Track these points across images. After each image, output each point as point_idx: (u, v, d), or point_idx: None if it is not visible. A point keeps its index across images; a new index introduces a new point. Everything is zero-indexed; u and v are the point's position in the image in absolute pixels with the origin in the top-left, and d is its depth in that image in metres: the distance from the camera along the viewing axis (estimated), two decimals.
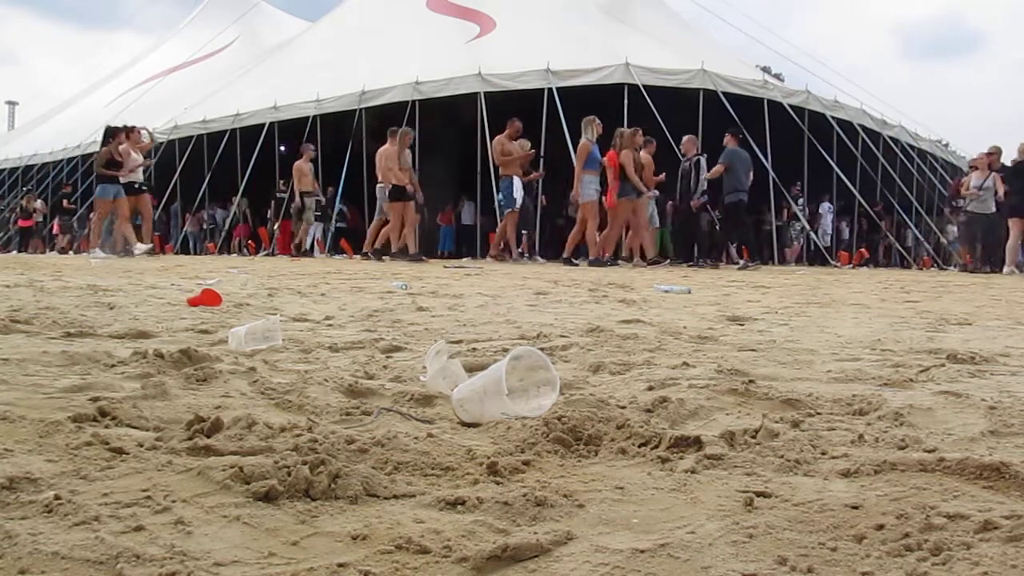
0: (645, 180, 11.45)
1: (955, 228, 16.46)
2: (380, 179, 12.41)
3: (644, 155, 11.69)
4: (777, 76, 20.38)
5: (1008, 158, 12.81)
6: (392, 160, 12.09)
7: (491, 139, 13.36)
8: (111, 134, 12.70)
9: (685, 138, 12.67)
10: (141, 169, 12.73)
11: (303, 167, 14.34)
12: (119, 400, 1.50)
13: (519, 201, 11.97)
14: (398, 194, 12.03)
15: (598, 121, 11.41)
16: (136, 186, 12.64)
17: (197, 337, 2.60)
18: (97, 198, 12.81)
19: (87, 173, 21.65)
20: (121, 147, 12.43)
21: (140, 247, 12.13)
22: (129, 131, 12.88)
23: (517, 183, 11.95)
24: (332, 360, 2.18)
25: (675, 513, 0.98)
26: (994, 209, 12.75)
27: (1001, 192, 12.68)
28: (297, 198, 14.44)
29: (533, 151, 12.50)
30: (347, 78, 16.03)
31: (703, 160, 12.42)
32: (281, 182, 17.52)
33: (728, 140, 11.89)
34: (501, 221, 12.51)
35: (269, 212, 18.06)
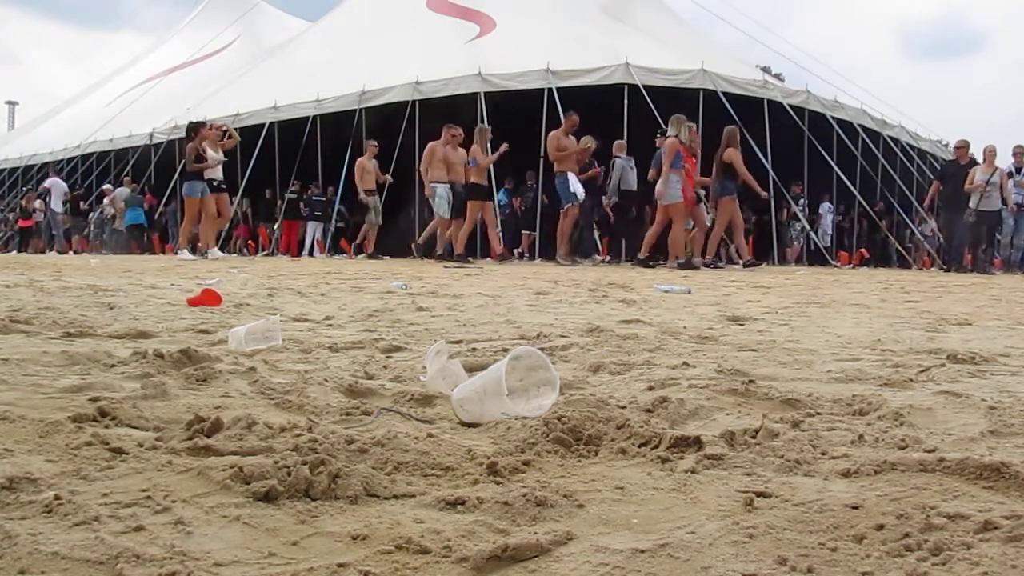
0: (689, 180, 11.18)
1: (932, 226, 16.14)
2: (431, 177, 11.89)
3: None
4: (777, 76, 20.37)
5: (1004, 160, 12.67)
6: (454, 157, 11.74)
7: (491, 139, 13.35)
8: (194, 129, 12.23)
9: (616, 142, 12.98)
10: (220, 167, 12.37)
11: (366, 164, 13.58)
12: (119, 400, 1.50)
13: (580, 196, 11.49)
14: (477, 192, 11.72)
15: (689, 122, 11.18)
16: (216, 184, 12.29)
17: (197, 337, 2.60)
18: (186, 196, 12.27)
19: (87, 173, 21.69)
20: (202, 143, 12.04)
21: (215, 252, 11.79)
22: (207, 127, 12.48)
23: (573, 178, 11.50)
24: (332, 360, 2.18)
25: (675, 513, 0.98)
26: (999, 206, 12.29)
27: (1008, 187, 12.25)
28: (361, 196, 13.68)
29: (591, 146, 12.02)
30: (347, 78, 16.04)
31: (619, 162, 12.79)
32: (295, 182, 17.46)
33: (660, 142, 12.08)
34: (512, 222, 12.21)
35: (280, 208, 17.82)
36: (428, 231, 12.75)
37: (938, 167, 15.80)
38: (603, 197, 13.09)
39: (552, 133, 11.85)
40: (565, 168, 11.63)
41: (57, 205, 18.70)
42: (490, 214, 12.03)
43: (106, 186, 20.95)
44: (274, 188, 18.27)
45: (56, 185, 18.65)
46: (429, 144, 12.14)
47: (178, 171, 14.12)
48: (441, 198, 11.85)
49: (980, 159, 12.77)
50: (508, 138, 13.20)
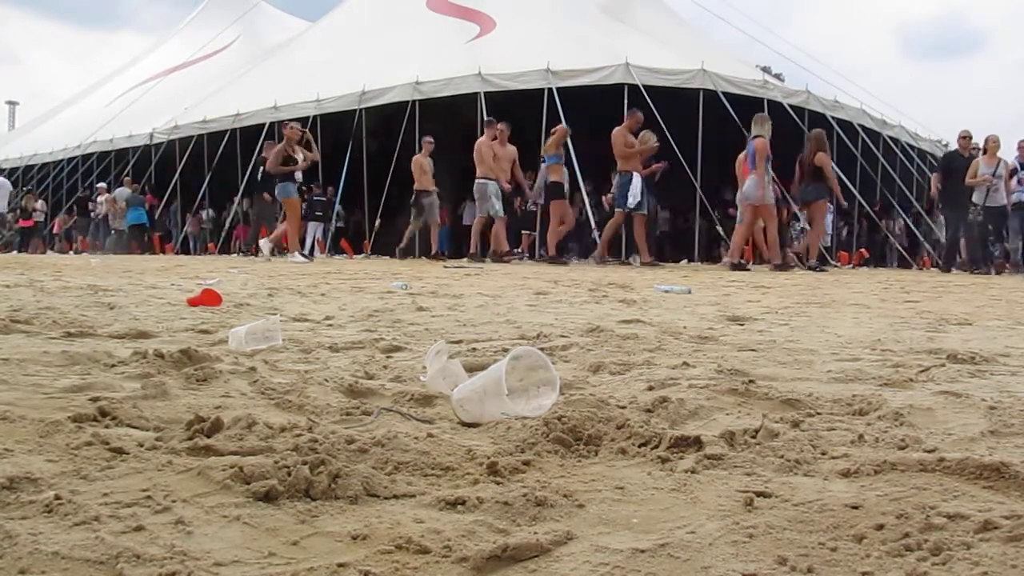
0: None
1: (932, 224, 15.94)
2: (483, 174, 11.64)
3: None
4: (777, 76, 20.38)
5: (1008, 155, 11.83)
6: (501, 153, 11.50)
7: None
8: (282, 129, 11.95)
9: (549, 142, 12.98)
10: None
11: (424, 162, 12.92)
12: (119, 400, 1.50)
13: (642, 200, 11.12)
14: (559, 191, 11.48)
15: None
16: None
17: (197, 337, 2.60)
18: (284, 198, 11.97)
19: (87, 173, 21.70)
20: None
21: (298, 256, 11.58)
22: (289, 127, 12.26)
23: (638, 181, 11.09)
24: (332, 360, 2.18)
25: (675, 513, 0.98)
26: (1005, 201, 11.40)
27: (1014, 182, 11.38)
28: (429, 198, 13.09)
29: (658, 144, 11.64)
30: (347, 78, 16.04)
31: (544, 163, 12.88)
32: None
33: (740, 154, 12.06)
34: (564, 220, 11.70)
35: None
36: (476, 234, 12.37)
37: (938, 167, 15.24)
38: (603, 197, 13.09)
39: (617, 130, 11.30)
40: (631, 168, 11.19)
41: (2, 205, 18.49)
42: (569, 213, 11.76)
43: (99, 184, 20.97)
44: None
45: (3, 185, 18.49)
46: (478, 141, 11.82)
47: (239, 174, 13.83)
48: (496, 196, 11.62)
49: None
50: (508, 138, 13.20)
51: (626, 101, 13.74)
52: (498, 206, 11.65)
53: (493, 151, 11.68)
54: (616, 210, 11.33)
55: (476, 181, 11.79)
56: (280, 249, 12.24)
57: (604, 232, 11.66)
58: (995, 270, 11.41)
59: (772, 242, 10.81)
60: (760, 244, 11.64)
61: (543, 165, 12.53)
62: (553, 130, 11.75)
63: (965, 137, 12.06)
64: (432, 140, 12.97)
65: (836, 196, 11.31)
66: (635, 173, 11.08)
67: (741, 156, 10.93)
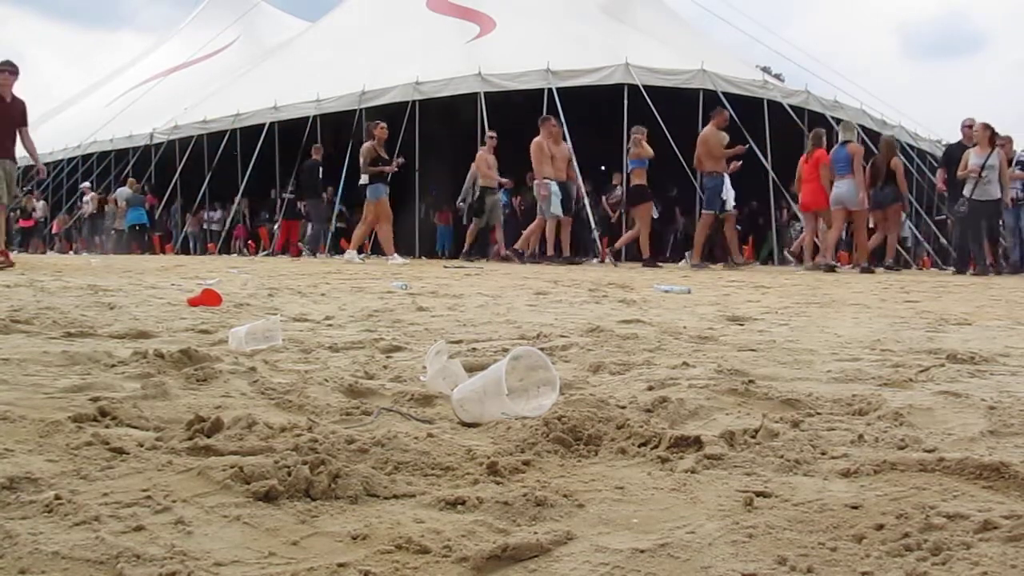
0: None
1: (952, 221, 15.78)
2: (543, 173, 11.34)
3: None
4: (777, 76, 20.38)
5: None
6: (557, 152, 11.25)
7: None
8: (368, 130, 11.51)
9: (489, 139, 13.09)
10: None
11: (489, 159, 12.41)
12: (119, 400, 1.50)
13: (731, 204, 10.94)
14: (643, 195, 11.35)
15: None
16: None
17: (197, 337, 2.60)
18: (373, 200, 11.40)
19: (87, 173, 21.70)
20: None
21: (397, 259, 11.19)
22: (380, 127, 11.79)
23: (728, 182, 10.88)
24: (332, 360, 2.18)
25: (675, 513, 0.98)
26: (999, 195, 10.44)
27: (1007, 174, 10.47)
28: (477, 193, 12.66)
29: (745, 146, 11.52)
30: (347, 78, 16.04)
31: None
32: (294, 182, 17.42)
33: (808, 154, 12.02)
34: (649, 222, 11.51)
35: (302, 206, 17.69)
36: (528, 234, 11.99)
37: (938, 167, 14.79)
38: (602, 197, 13.07)
39: (710, 131, 10.96)
40: (720, 168, 10.96)
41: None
42: (648, 216, 11.58)
43: (84, 184, 20.98)
44: (275, 188, 18.27)
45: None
46: (535, 140, 11.51)
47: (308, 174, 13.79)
48: (555, 195, 11.36)
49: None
50: (508, 138, 13.19)
51: (626, 101, 13.75)
52: (557, 207, 11.38)
53: (550, 150, 11.44)
54: (705, 212, 11.08)
55: (535, 182, 11.50)
56: (361, 250, 11.90)
57: (697, 236, 11.36)
58: (984, 270, 10.39)
59: (862, 245, 10.94)
60: (809, 245, 11.67)
61: (626, 170, 12.53)
62: (635, 135, 11.53)
63: (969, 126, 11.12)
64: (495, 135, 12.60)
65: (903, 199, 11.24)
66: (725, 175, 10.96)
67: (803, 158, 11.07)
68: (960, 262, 10.93)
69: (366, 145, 11.27)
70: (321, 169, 14.84)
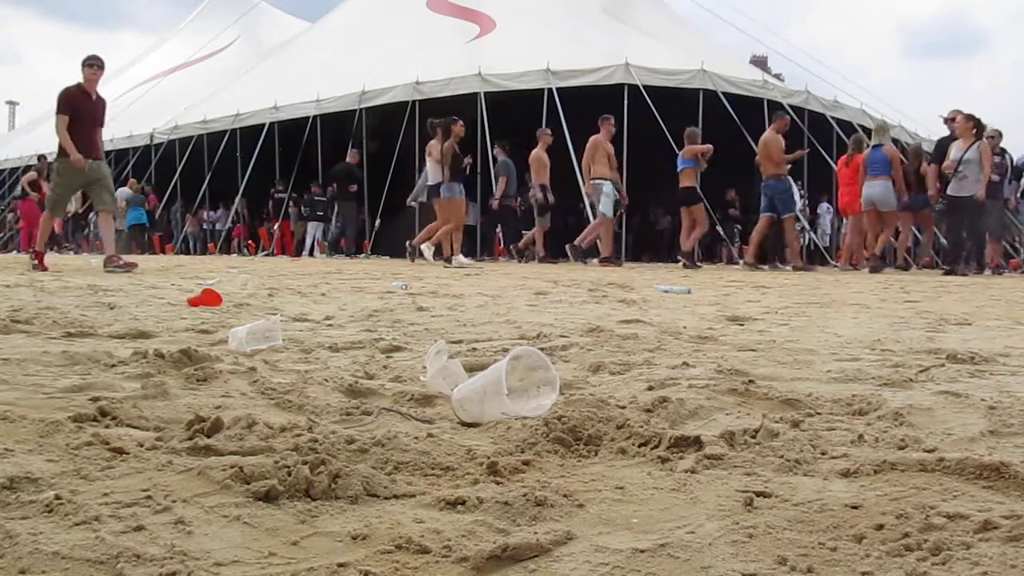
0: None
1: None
2: (596, 172, 11.15)
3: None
4: (777, 76, 20.38)
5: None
6: (611, 151, 11.08)
7: (491, 139, 13.28)
8: (446, 128, 10.98)
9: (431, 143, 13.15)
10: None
11: (544, 157, 12.21)
12: (119, 400, 1.50)
13: (798, 206, 10.99)
14: (694, 196, 11.28)
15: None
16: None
17: (197, 337, 2.60)
18: (450, 199, 11.09)
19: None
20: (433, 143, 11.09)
21: (464, 260, 10.94)
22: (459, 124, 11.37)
23: (794, 185, 10.83)
24: (332, 360, 2.18)
25: (675, 513, 0.98)
26: (975, 191, 9.83)
27: (988, 167, 9.90)
28: (536, 193, 12.34)
29: (807, 150, 11.45)
30: (347, 78, 16.04)
31: (430, 163, 13.01)
32: (280, 182, 17.49)
33: (498, 151, 12.63)
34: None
35: (304, 208, 17.73)
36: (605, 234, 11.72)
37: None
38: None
39: (773, 136, 10.99)
40: (783, 172, 10.95)
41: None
42: (702, 217, 11.55)
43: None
44: (275, 188, 18.29)
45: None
46: (592, 138, 11.33)
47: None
48: (608, 196, 11.19)
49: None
50: (508, 138, 13.20)
51: (626, 101, 13.75)
52: (611, 206, 11.26)
53: (607, 150, 11.30)
54: (765, 215, 10.98)
55: (592, 181, 11.27)
56: (440, 251, 11.61)
57: (754, 237, 11.31)
58: (955, 270, 9.97)
59: (882, 243, 10.97)
60: (848, 246, 11.80)
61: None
62: (688, 136, 11.48)
63: (951, 119, 10.61)
64: (550, 132, 12.36)
65: (932, 203, 11.18)
66: (790, 178, 11.00)
67: (841, 161, 11.15)
68: (953, 260, 10.60)
69: (447, 143, 10.86)
70: (355, 172, 14.96)
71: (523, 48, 15.08)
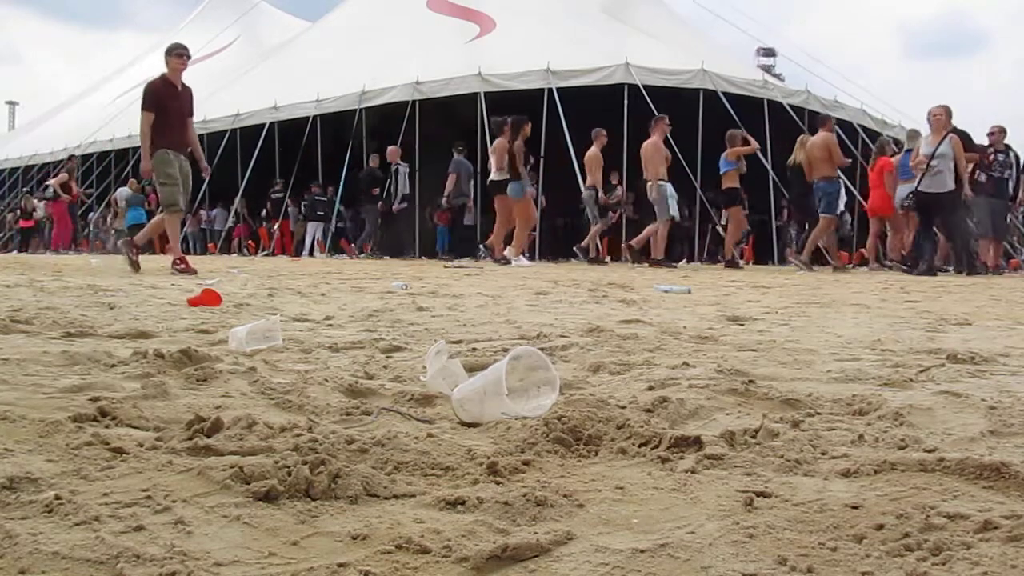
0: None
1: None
2: (659, 174, 11.09)
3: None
4: (777, 76, 20.38)
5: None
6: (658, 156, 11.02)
7: (491, 139, 13.28)
8: (517, 126, 10.93)
9: (389, 148, 14.03)
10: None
11: (599, 157, 12.09)
12: (119, 400, 1.50)
13: (841, 207, 10.95)
14: (735, 198, 11.35)
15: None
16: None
17: (197, 337, 2.60)
18: (517, 198, 10.99)
19: (87, 173, 21.69)
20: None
21: (524, 261, 10.91)
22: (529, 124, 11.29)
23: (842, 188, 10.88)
24: (332, 360, 2.18)
25: (675, 513, 0.98)
26: (952, 186, 9.51)
27: (963, 163, 9.57)
28: (599, 193, 12.21)
29: (849, 160, 11.60)
30: (347, 78, 16.05)
31: (401, 168, 14.17)
32: (278, 181, 17.48)
33: (456, 153, 13.05)
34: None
35: (304, 209, 17.73)
36: (646, 235, 11.69)
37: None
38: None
39: (828, 136, 10.92)
40: (833, 174, 10.89)
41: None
42: (739, 218, 11.66)
43: (50, 181, 21.01)
44: (273, 188, 18.28)
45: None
46: (651, 140, 11.22)
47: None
48: (672, 198, 11.16)
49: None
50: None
51: (626, 101, 13.76)
52: (675, 208, 11.25)
53: (665, 152, 11.26)
54: (823, 216, 10.88)
55: (655, 183, 11.18)
56: (492, 251, 11.65)
57: (813, 238, 11.18)
58: (930, 270, 9.65)
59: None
60: (871, 249, 12.09)
61: (401, 169, 12.83)
62: (731, 138, 11.47)
63: (935, 115, 9.85)
64: (605, 133, 12.25)
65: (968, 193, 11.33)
66: (839, 179, 10.98)
67: (880, 163, 11.21)
68: (960, 261, 10.38)
69: (517, 143, 10.85)
70: (378, 176, 15.08)
71: (523, 48, 15.09)
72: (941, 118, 9.62)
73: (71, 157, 19.03)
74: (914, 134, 11.04)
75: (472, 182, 14.13)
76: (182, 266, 7.24)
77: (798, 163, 11.14)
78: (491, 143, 12.21)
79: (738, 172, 11.41)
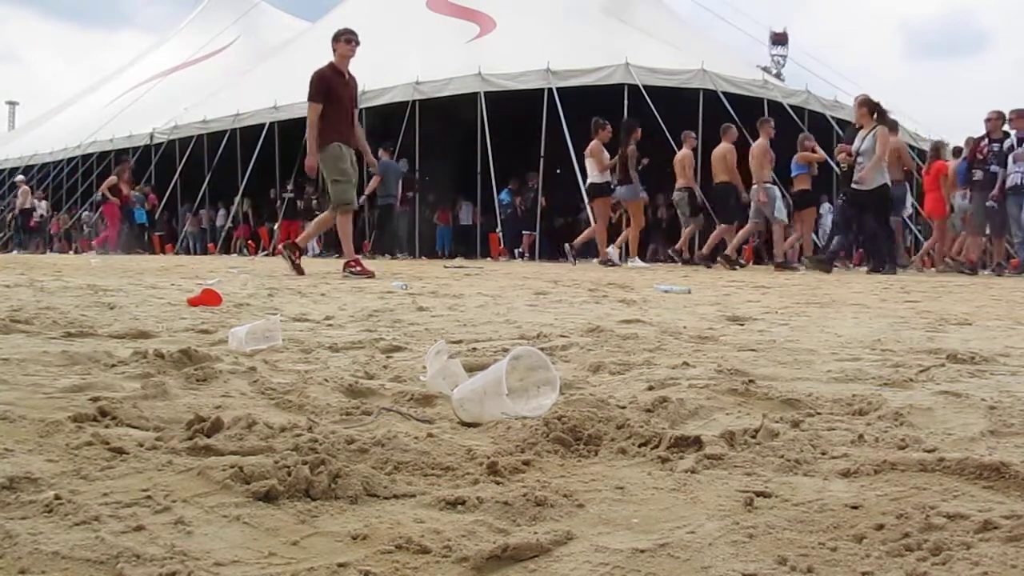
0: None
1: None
2: (765, 177, 11.14)
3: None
4: (777, 76, 20.38)
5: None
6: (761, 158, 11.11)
7: (491, 139, 13.29)
8: (629, 129, 11.19)
9: (380, 150, 13.80)
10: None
11: (691, 156, 12.19)
12: (119, 400, 1.50)
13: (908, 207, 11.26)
14: (807, 200, 11.42)
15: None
16: (612, 187, 11.35)
17: (197, 337, 2.60)
18: (631, 200, 11.27)
19: (87, 173, 21.70)
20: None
21: (640, 263, 11.01)
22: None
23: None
24: (332, 360, 2.18)
25: (675, 513, 0.98)
26: (884, 180, 9.26)
27: (882, 151, 9.09)
28: (698, 193, 12.18)
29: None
30: None
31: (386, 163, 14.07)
32: (290, 182, 17.46)
33: (382, 153, 13.40)
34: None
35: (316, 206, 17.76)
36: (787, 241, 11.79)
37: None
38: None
39: (898, 139, 11.05)
40: (901, 177, 11.22)
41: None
42: (811, 220, 11.81)
43: (18, 177, 20.99)
44: (275, 188, 18.28)
45: None
46: (758, 143, 11.34)
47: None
48: (779, 199, 11.30)
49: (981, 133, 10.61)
50: (508, 138, 13.19)
51: (626, 101, 13.76)
52: (782, 210, 11.38)
53: (770, 154, 11.35)
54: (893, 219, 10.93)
55: (761, 186, 11.17)
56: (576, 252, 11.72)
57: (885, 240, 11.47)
58: (881, 268, 9.41)
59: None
60: (926, 250, 12.39)
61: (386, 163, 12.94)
62: (802, 143, 11.56)
63: (990, 119, 10.22)
64: (694, 135, 12.39)
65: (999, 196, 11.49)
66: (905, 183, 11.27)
67: (935, 167, 11.46)
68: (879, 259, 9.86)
69: (631, 148, 11.09)
70: (413, 180, 15.28)
71: (523, 48, 15.09)
72: (863, 111, 9.41)
73: (124, 160, 18.95)
74: (942, 145, 11.49)
75: (399, 182, 14.77)
76: (357, 268, 6.68)
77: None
78: (490, 143, 12.23)
79: (810, 176, 11.51)
